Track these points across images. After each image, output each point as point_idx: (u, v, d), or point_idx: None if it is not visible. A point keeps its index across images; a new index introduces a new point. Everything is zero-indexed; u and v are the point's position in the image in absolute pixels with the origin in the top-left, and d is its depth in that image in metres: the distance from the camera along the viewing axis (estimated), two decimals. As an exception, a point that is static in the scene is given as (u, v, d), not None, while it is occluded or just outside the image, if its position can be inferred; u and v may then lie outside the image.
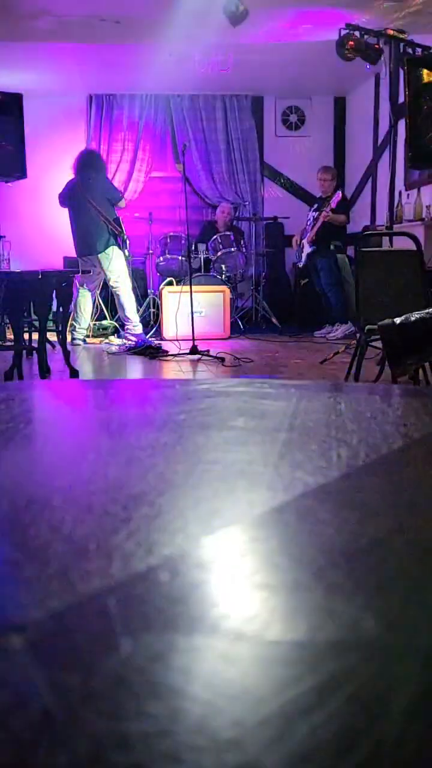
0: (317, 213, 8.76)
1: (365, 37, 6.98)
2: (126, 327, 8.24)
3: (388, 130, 8.17)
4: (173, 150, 10.60)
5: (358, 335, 4.83)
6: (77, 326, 8.32)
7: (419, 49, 6.92)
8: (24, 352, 5.96)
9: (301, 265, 9.12)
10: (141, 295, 9.91)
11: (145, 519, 0.66)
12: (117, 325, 8.91)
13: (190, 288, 7.24)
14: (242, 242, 9.55)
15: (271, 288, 10.33)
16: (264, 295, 9.99)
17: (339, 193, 8.59)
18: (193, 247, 9.11)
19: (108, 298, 9.82)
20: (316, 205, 9.00)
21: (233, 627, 0.47)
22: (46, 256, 9.09)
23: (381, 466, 0.85)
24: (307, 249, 8.80)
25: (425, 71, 6.69)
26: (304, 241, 8.84)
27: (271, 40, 7.97)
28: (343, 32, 6.90)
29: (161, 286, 9.05)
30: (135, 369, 6.66)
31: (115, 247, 7.93)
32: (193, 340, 7.02)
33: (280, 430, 0.99)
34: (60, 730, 0.37)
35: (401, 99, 7.37)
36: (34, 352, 5.93)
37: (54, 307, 5.93)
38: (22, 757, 0.35)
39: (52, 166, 10.24)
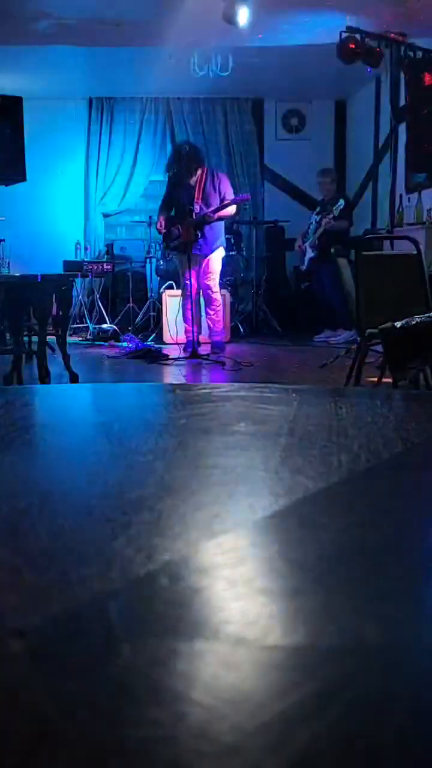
0: (319, 217, 8.75)
1: (366, 40, 6.98)
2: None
3: (389, 133, 8.18)
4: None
5: (358, 339, 4.83)
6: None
7: (420, 53, 6.94)
8: (24, 356, 5.96)
9: (304, 268, 9.10)
10: (141, 298, 9.90)
11: (146, 524, 0.66)
12: (117, 329, 8.90)
13: (191, 291, 7.25)
14: (242, 246, 9.55)
15: (271, 292, 10.32)
16: (264, 299, 9.98)
17: (342, 201, 8.59)
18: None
19: (107, 303, 9.82)
20: (318, 209, 8.99)
21: (234, 632, 0.47)
22: (45, 260, 9.10)
23: (381, 470, 0.85)
24: (309, 253, 8.79)
25: (426, 74, 6.70)
26: (307, 245, 8.83)
27: (271, 43, 7.97)
28: (344, 35, 6.91)
29: (161, 290, 9.05)
30: (135, 373, 6.65)
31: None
32: (194, 343, 7.02)
33: (281, 434, 0.99)
34: (61, 735, 0.37)
35: (402, 102, 7.39)
36: (34, 356, 5.93)
37: (54, 311, 5.92)
38: (24, 763, 0.35)
39: (51, 169, 10.26)
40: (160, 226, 7.84)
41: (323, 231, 8.61)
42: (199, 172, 7.53)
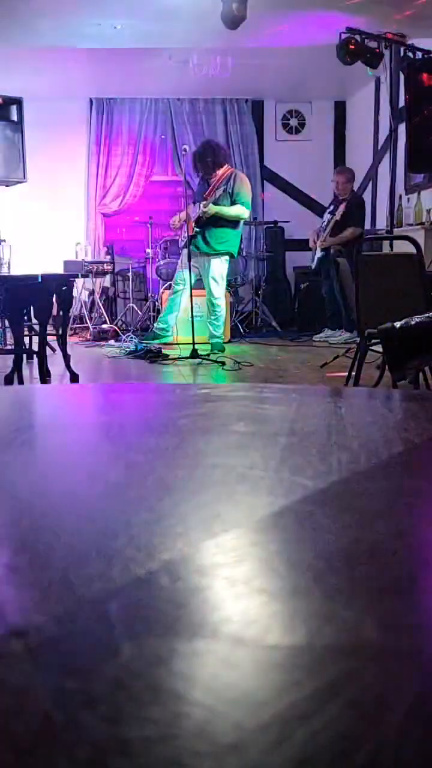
0: (331, 216, 8.72)
1: (366, 41, 6.99)
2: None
3: (388, 134, 8.18)
4: (173, 154, 10.62)
5: (358, 339, 4.83)
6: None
7: (419, 54, 6.94)
8: (24, 356, 5.96)
9: (313, 267, 9.05)
10: (141, 299, 9.91)
11: (146, 524, 0.66)
12: (117, 329, 8.91)
13: (191, 291, 7.24)
14: (242, 246, 9.56)
15: (271, 292, 10.34)
16: (264, 299, 9.99)
17: (342, 206, 8.55)
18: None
19: (107, 302, 9.83)
20: (331, 207, 8.93)
21: (233, 632, 0.48)
22: (46, 260, 9.10)
23: (381, 470, 0.85)
24: (318, 253, 8.74)
25: (425, 75, 6.70)
26: (317, 245, 8.78)
27: (271, 44, 7.97)
28: (344, 36, 6.91)
29: (161, 290, 9.05)
30: (135, 373, 6.66)
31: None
32: (194, 344, 7.02)
33: (280, 434, 0.99)
34: (60, 735, 0.37)
35: (401, 103, 7.39)
36: (35, 356, 5.93)
37: (54, 311, 5.93)
38: (23, 763, 0.35)
39: (52, 170, 10.26)
40: (172, 221, 7.85)
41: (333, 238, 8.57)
42: (220, 171, 7.49)
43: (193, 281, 7.34)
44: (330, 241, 8.56)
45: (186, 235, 7.46)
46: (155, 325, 8.10)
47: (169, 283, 8.96)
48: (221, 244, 7.51)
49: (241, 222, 7.74)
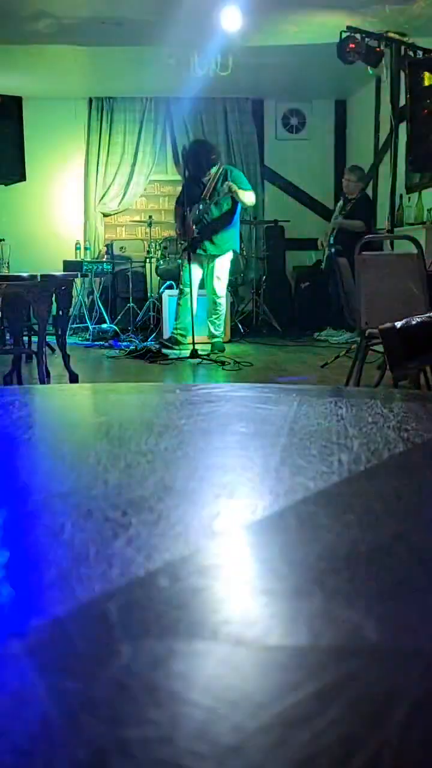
0: (339, 216, 8.75)
1: (366, 39, 6.98)
2: None
3: (389, 133, 8.17)
4: (173, 153, 10.61)
5: (359, 339, 4.83)
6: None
7: (420, 52, 6.93)
8: (24, 356, 5.95)
9: (323, 266, 9.06)
10: (141, 298, 9.90)
11: (146, 524, 0.66)
12: (117, 329, 8.90)
13: (191, 291, 7.24)
14: (242, 246, 9.56)
15: (271, 291, 10.33)
16: (264, 299, 9.98)
17: (341, 202, 8.60)
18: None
19: (107, 303, 9.82)
20: (338, 206, 8.97)
21: (233, 633, 0.47)
22: (46, 260, 9.10)
23: (382, 471, 0.84)
24: (327, 252, 8.77)
25: (426, 74, 6.70)
26: (323, 245, 8.81)
27: (271, 43, 7.97)
28: (344, 35, 6.90)
29: (161, 290, 9.05)
30: (135, 373, 6.65)
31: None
32: (194, 343, 7.02)
33: (281, 434, 0.99)
34: (60, 737, 0.37)
35: (402, 102, 7.38)
36: (34, 356, 5.93)
37: (54, 311, 5.92)
38: (22, 764, 0.35)
39: (51, 169, 10.26)
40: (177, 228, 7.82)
41: (339, 230, 8.60)
42: (213, 170, 7.49)
43: (198, 282, 7.36)
44: (341, 222, 8.57)
45: (185, 238, 7.46)
46: (174, 331, 7.90)
47: (170, 282, 8.95)
48: (227, 243, 7.55)
49: (237, 217, 7.74)
